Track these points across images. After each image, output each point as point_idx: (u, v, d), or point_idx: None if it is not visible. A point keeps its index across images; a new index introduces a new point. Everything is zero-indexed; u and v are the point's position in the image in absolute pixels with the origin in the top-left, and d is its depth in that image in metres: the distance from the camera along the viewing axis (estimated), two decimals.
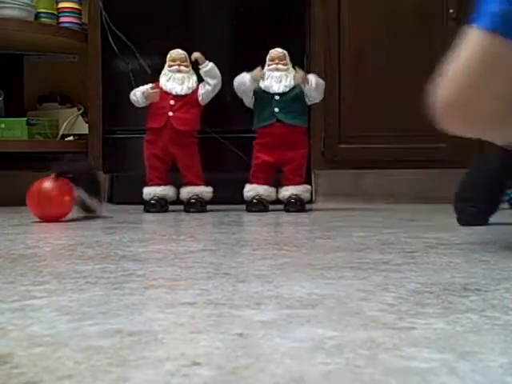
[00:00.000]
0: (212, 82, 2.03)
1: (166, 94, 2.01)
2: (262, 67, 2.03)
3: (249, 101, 2.04)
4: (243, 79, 2.01)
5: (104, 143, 2.40)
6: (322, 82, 2.04)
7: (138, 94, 2.02)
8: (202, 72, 2.03)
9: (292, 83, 2.01)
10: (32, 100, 2.62)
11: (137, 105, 2.04)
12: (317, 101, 2.07)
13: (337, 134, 2.35)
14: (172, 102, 2.00)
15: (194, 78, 2.04)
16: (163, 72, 2.05)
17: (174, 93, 2.01)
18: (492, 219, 1.50)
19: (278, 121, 1.99)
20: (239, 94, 2.04)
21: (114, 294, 0.70)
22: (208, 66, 2.02)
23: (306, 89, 2.00)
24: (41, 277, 0.81)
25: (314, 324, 0.56)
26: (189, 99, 2.01)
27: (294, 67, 2.04)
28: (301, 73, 2.01)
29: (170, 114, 2.00)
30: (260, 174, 2.03)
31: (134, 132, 2.36)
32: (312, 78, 2.01)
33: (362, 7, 2.34)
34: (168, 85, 2.02)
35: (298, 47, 2.22)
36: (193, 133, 2.04)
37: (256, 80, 2.00)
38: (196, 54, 2.02)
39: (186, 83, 2.02)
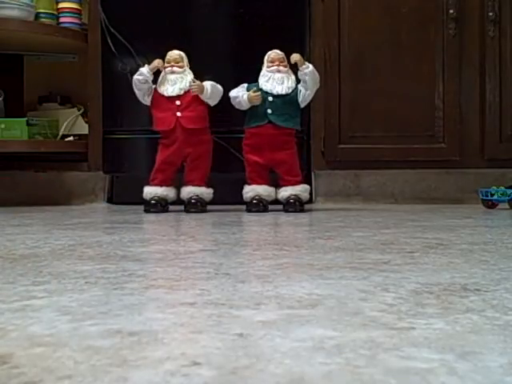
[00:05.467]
0: (213, 103, 2.03)
1: (167, 96, 2.01)
2: (260, 68, 2.03)
3: (243, 109, 2.04)
4: (240, 101, 1.99)
5: (104, 143, 2.40)
6: (317, 72, 2.02)
7: (144, 70, 2.00)
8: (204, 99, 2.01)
9: (293, 85, 2.01)
10: (32, 100, 2.62)
11: (141, 87, 2.01)
12: (310, 94, 2.01)
13: (337, 134, 2.35)
14: (178, 103, 2.00)
15: (189, 77, 2.02)
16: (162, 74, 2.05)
17: (165, 94, 2.00)
18: (492, 218, 1.50)
19: (270, 122, 1.99)
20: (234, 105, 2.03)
21: (114, 294, 0.70)
22: (208, 94, 1.99)
23: (302, 72, 1.98)
24: (41, 277, 0.81)
25: (313, 324, 0.56)
26: (194, 98, 2.00)
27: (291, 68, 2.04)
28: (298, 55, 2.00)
29: (178, 114, 1.99)
30: (255, 175, 2.03)
31: (133, 132, 2.36)
32: (308, 64, 2.01)
33: (361, 7, 2.34)
34: (161, 87, 2.02)
35: (297, 47, 2.21)
36: (204, 130, 2.03)
37: (252, 104, 1.99)
38: (195, 90, 1.98)
39: (177, 84, 2.01)
